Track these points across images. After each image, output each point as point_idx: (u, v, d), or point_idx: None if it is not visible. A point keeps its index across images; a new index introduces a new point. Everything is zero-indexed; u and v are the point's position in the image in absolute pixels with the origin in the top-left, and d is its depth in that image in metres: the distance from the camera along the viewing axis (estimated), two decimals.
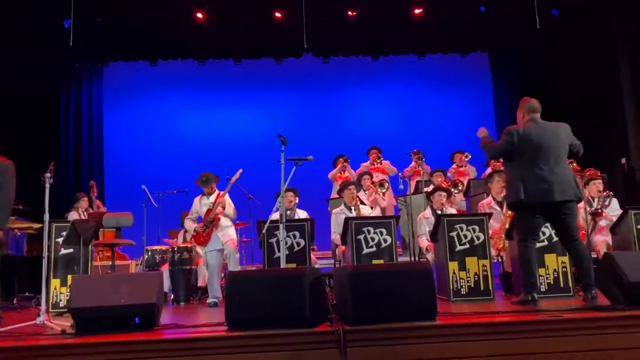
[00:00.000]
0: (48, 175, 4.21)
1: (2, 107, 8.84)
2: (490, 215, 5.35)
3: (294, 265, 5.33)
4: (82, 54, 9.45)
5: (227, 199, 6.13)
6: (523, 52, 10.08)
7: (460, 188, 7.75)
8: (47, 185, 4.20)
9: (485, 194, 6.71)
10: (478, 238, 5.06)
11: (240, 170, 6.11)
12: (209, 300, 5.87)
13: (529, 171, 4.29)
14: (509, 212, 5.15)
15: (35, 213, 6.97)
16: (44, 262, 4.39)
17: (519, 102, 4.61)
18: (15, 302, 6.66)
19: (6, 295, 6.31)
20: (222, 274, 6.27)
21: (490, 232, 5.25)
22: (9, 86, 8.97)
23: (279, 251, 5.44)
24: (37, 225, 6.88)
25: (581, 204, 5.26)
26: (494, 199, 5.96)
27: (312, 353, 3.25)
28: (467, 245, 5.04)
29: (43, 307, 4.20)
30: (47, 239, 4.43)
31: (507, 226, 5.25)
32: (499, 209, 5.83)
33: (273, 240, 5.66)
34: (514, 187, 4.36)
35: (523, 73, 10.33)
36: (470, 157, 8.57)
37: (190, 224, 6.25)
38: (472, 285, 4.97)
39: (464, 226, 5.07)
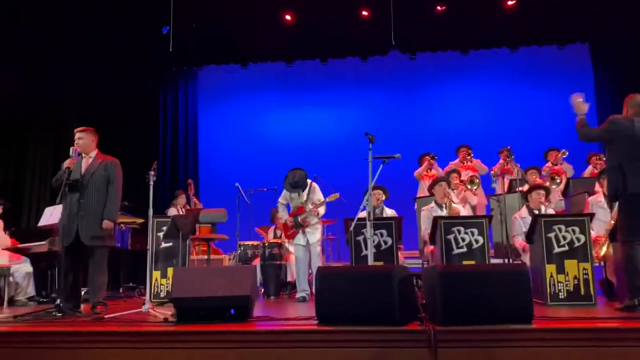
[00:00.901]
0: (152, 173, 4.52)
1: (107, 110, 9.56)
2: (592, 215, 5.03)
3: (381, 264, 5.32)
4: (179, 58, 9.97)
5: (316, 212, 6.10)
6: (630, 42, 9.35)
7: (558, 182, 7.35)
8: (151, 183, 4.50)
9: (587, 194, 6.32)
10: (579, 240, 4.78)
11: (337, 195, 6.15)
12: (298, 295, 6.00)
13: (631, 165, 4.08)
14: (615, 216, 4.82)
15: (137, 209, 7.50)
16: (148, 254, 4.71)
17: (624, 95, 4.39)
18: (121, 291, 7.19)
19: (113, 285, 6.82)
20: (309, 270, 6.38)
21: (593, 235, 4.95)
22: (113, 91, 9.71)
23: (366, 249, 5.44)
24: (140, 220, 7.36)
25: None
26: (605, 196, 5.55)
27: (401, 351, 3.24)
28: (566, 247, 4.78)
29: (147, 296, 4.50)
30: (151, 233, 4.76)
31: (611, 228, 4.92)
32: (607, 208, 5.45)
33: (360, 238, 5.66)
34: (614, 178, 4.18)
35: (629, 65, 9.56)
36: (567, 154, 8.07)
37: (281, 210, 6.35)
38: (572, 290, 4.71)
39: (562, 227, 4.81)
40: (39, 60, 8.66)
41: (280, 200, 6.36)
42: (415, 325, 3.35)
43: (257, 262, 6.76)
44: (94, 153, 4.88)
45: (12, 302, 5.94)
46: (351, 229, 5.50)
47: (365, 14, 9.36)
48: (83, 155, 4.82)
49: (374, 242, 5.14)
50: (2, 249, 6.07)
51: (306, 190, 6.19)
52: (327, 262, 7.27)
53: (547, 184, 7.18)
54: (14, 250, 6.22)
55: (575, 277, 4.73)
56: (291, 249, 6.83)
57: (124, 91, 9.87)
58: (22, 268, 6.06)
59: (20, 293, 6.06)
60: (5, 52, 8.16)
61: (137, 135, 10.06)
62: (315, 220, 6.13)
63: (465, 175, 7.79)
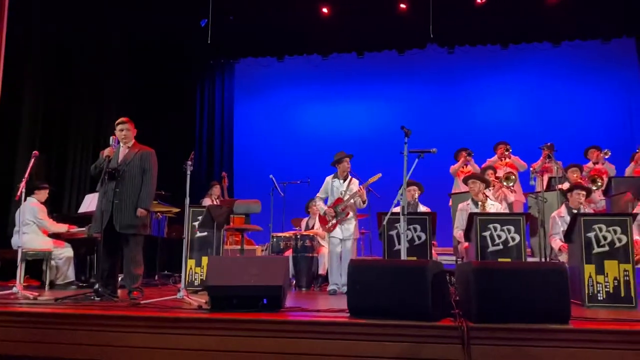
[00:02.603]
0: (189, 163, 4.58)
1: (146, 101, 9.76)
2: (635, 216, 4.86)
3: (414, 259, 5.27)
4: (216, 51, 10.07)
5: (364, 194, 6.10)
6: None
7: (599, 184, 7.12)
8: (188, 173, 4.56)
9: (630, 193, 6.11)
10: (620, 240, 4.62)
11: (379, 175, 6.10)
12: (329, 287, 6.02)
13: None
14: None
15: (173, 199, 7.64)
16: (184, 243, 4.79)
17: None
18: (156, 278, 7.35)
19: (149, 272, 6.97)
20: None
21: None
22: (152, 82, 9.90)
23: (399, 244, 5.41)
24: (176, 210, 7.50)
25: None
26: None
27: (434, 347, 3.22)
28: (607, 248, 4.63)
29: (182, 284, 4.59)
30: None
31: None
32: None
33: (393, 232, 5.62)
34: None
35: None
36: (609, 154, 7.80)
37: (319, 203, 6.31)
38: (611, 291, 4.56)
39: (603, 227, 4.65)
40: (80, 50, 8.90)
41: (319, 194, 6.36)
42: (448, 322, 3.32)
43: (289, 253, 6.81)
44: (131, 143, 4.99)
45: (52, 285, 6.15)
46: (384, 222, 5.48)
47: (403, 7, 9.25)
48: (121, 144, 4.93)
49: (407, 237, 5.09)
50: (48, 236, 6.28)
51: (346, 182, 6.19)
52: (359, 256, 7.25)
53: (590, 185, 6.96)
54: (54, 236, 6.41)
55: (615, 279, 4.58)
56: (322, 242, 6.85)
57: (162, 82, 10.05)
58: (64, 253, 6.25)
59: (60, 277, 6.26)
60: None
61: (175, 127, 10.25)
62: (360, 203, 6.10)
63: (502, 171, 7.64)
